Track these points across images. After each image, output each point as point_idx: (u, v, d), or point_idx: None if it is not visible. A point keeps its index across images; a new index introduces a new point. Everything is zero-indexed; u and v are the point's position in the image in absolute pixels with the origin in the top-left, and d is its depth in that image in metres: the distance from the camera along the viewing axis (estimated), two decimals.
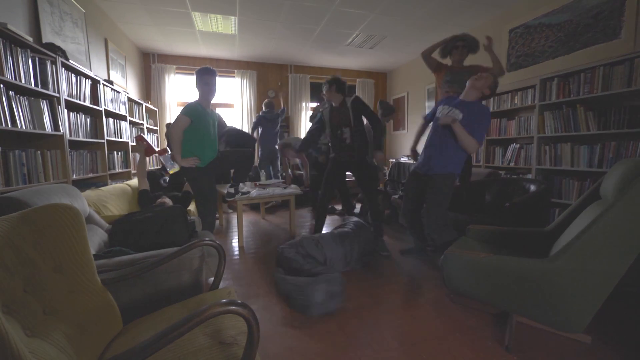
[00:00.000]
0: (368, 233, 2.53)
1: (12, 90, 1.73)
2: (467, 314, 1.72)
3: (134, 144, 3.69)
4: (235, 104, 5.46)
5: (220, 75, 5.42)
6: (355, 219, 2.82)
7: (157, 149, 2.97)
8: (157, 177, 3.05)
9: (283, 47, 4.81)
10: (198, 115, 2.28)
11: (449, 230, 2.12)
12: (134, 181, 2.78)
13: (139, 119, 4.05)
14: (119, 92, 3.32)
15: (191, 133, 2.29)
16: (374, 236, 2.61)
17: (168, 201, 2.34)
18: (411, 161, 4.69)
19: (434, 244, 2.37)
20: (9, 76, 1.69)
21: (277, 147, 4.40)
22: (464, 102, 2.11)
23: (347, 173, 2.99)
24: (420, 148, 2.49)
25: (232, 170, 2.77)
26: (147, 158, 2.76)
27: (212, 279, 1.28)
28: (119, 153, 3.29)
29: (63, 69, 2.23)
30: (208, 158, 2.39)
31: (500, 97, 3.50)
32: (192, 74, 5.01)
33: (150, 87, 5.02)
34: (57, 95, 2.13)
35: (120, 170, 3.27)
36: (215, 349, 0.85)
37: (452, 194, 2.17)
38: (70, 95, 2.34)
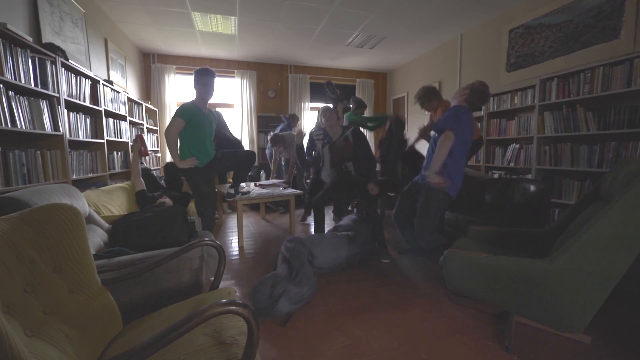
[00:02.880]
0: (366, 231, 2.54)
1: (12, 90, 1.73)
2: (467, 314, 1.72)
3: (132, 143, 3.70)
4: (235, 104, 5.47)
5: (220, 75, 5.42)
6: (353, 216, 2.82)
7: (149, 152, 2.99)
8: (154, 175, 3.05)
9: (283, 47, 4.81)
10: (192, 116, 2.27)
11: (435, 236, 2.15)
12: (132, 181, 2.78)
13: (139, 119, 4.04)
14: (118, 92, 3.32)
15: (187, 134, 2.29)
16: (377, 246, 2.60)
17: (168, 201, 2.34)
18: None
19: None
20: (8, 76, 1.69)
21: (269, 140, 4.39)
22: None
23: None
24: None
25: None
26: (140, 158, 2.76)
27: (212, 278, 1.28)
28: (119, 153, 3.29)
29: (63, 69, 2.23)
30: (205, 158, 2.38)
31: (500, 97, 3.51)
32: (192, 74, 5.00)
33: (150, 87, 5.02)
34: (57, 95, 2.13)
35: (120, 170, 3.27)
36: (215, 349, 0.85)
37: (442, 210, 2.17)
38: (70, 95, 2.34)
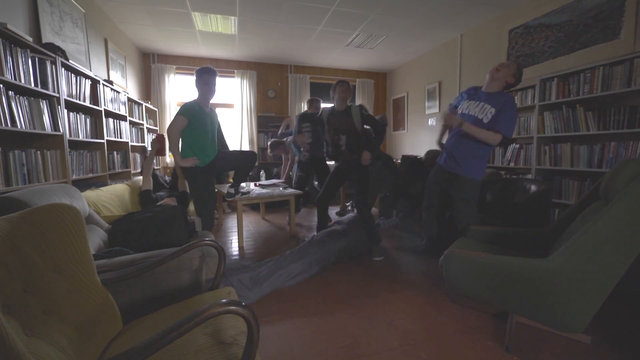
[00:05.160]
0: (358, 229, 2.58)
1: (12, 90, 1.73)
2: (467, 314, 1.72)
3: (136, 144, 3.70)
4: (235, 104, 5.47)
5: (220, 75, 5.41)
6: (350, 216, 2.87)
7: (166, 152, 2.98)
8: (157, 175, 3.05)
9: (283, 47, 4.81)
10: (195, 115, 2.27)
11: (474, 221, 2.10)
12: (134, 181, 2.77)
13: (139, 119, 4.05)
14: (118, 92, 3.32)
15: (189, 133, 2.29)
16: (369, 242, 2.61)
17: (173, 203, 2.33)
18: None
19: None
20: (8, 76, 1.69)
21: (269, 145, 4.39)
22: (489, 93, 2.05)
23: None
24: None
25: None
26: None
27: (212, 277, 1.28)
28: (119, 153, 3.29)
29: (63, 69, 2.23)
30: (207, 157, 2.38)
31: None
32: (192, 74, 5.01)
33: (150, 87, 5.02)
34: (57, 95, 2.13)
35: (120, 170, 3.27)
36: (215, 349, 0.85)
37: (478, 194, 2.12)
38: (70, 95, 2.34)
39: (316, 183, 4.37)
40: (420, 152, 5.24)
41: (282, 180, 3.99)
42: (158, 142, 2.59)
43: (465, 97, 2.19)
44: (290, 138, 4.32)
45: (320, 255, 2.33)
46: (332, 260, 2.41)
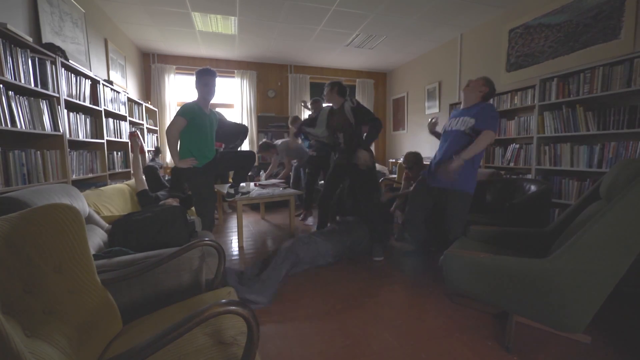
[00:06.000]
0: (362, 230, 2.59)
1: (11, 91, 1.73)
2: (467, 314, 1.72)
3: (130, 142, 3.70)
4: (235, 104, 5.47)
5: (220, 75, 5.43)
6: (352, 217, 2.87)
7: (146, 149, 2.96)
8: (158, 175, 3.04)
9: (283, 47, 4.81)
10: (194, 116, 2.27)
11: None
12: (134, 181, 2.77)
13: (139, 119, 4.05)
14: (118, 92, 3.32)
15: (188, 133, 2.29)
16: (370, 240, 2.61)
17: (175, 203, 2.33)
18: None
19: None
20: (8, 76, 1.69)
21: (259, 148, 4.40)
22: (466, 108, 2.12)
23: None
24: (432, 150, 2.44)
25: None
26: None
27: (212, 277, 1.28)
28: (119, 153, 3.29)
29: (63, 69, 2.23)
30: (205, 158, 2.39)
31: (500, 97, 3.51)
32: (192, 74, 5.01)
33: (150, 87, 5.03)
34: (57, 95, 2.13)
35: (120, 170, 3.27)
36: (215, 349, 0.85)
37: (468, 207, 2.11)
38: (70, 95, 2.34)
39: (321, 182, 4.37)
40: (421, 152, 5.25)
41: (282, 180, 3.99)
42: (135, 140, 2.57)
43: (451, 117, 2.25)
44: (280, 141, 4.31)
45: (311, 254, 2.34)
46: (330, 260, 2.43)
